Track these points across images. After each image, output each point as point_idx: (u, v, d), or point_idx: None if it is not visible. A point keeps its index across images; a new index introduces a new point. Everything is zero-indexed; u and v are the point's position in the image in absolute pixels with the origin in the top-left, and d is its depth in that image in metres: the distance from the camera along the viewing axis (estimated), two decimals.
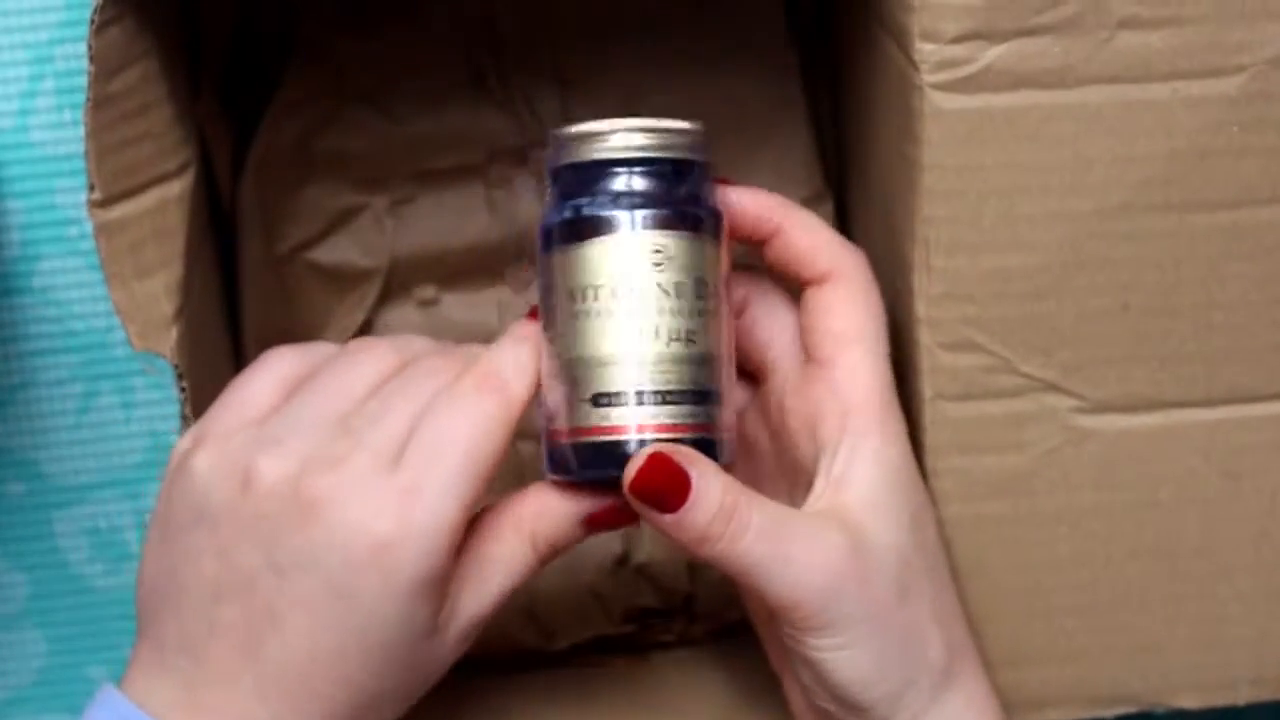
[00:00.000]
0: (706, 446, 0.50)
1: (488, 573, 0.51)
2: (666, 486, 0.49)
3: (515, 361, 0.51)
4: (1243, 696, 0.58)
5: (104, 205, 0.51)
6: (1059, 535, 0.56)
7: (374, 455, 0.49)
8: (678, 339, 0.50)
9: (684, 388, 0.50)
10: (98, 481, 0.68)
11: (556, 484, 0.52)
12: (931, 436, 0.55)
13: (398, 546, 0.48)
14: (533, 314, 0.52)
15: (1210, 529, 0.56)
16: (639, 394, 0.50)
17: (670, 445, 0.49)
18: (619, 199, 0.50)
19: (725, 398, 0.51)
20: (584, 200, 0.50)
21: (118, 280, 0.52)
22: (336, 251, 0.65)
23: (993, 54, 0.51)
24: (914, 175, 0.52)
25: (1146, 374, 0.54)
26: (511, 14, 0.65)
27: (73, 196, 0.65)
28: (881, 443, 0.52)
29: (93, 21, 0.49)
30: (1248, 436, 0.55)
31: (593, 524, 0.52)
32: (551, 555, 0.52)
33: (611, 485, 0.50)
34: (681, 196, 0.51)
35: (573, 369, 0.50)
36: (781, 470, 0.55)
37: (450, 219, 0.66)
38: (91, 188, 0.51)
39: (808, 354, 0.53)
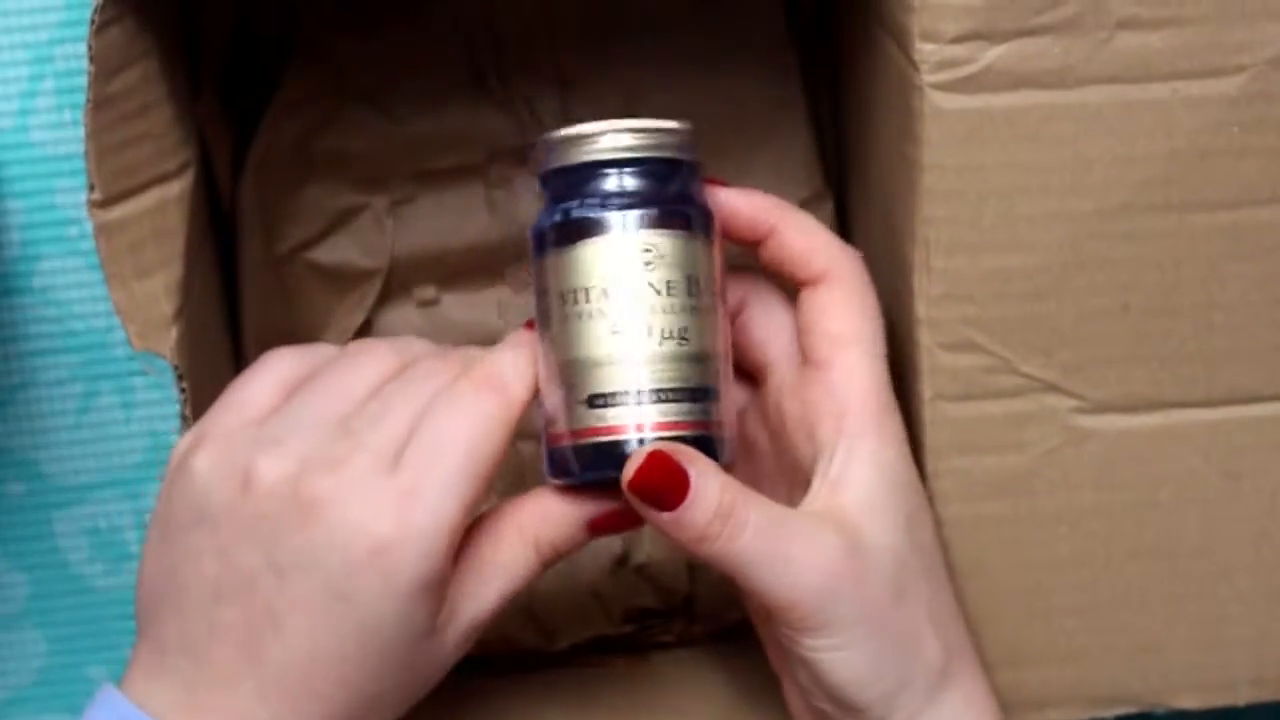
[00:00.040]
0: (706, 444, 0.50)
1: (489, 576, 0.51)
2: (665, 485, 0.49)
3: (514, 363, 0.51)
4: (1243, 697, 0.58)
5: (104, 205, 0.51)
6: (1059, 535, 0.56)
7: (374, 456, 0.49)
8: (671, 337, 0.50)
9: (680, 385, 0.50)
10: (98, 481, 0.68)
11: (558, 488, 0.52)
12: (931, 437, 0.55)
13: (397, 548, 0.48)
14: (531, 325, 0.52)
15: (1210, 529, 0.56)
16: (635, 393, 0.50)
17: (670, 444, 0.49)
18: (608, 200, 0.50)
19: (723, 395, 0.51)
20: (573, 203, 0.51)
21: (117, 280, 0.52)
22: (336, 251, 0.65)
23: (993, 54, 0.51)
24: (914, 175, 0.52)
25: (1147, 374, 0.54)
26: (511, 14, 0.65)
27: (73, 196, 0.65)
28: (878, 444, 0.52)
29: (93, 22, 0.49)
30: (1248, 437, 0.55)
31: (595, 528, 0.52)
32: (554, 559, 0.52)
33: (612, 486, 0.50)
34: (671, 195, 0.51)
35: (568, 371, 0.50)
36: (781, 470, 0.55)
37: (450, 219, 0.66)
38: (91, 188, 0.51)
39: (804, 355, 0.53)
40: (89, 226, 0.51)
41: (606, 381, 0.50)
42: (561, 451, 0.51)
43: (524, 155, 0.65)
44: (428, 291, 0.66)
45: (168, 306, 0.53)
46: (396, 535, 0.48)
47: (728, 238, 0.53)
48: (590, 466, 0.50)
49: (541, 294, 0.51)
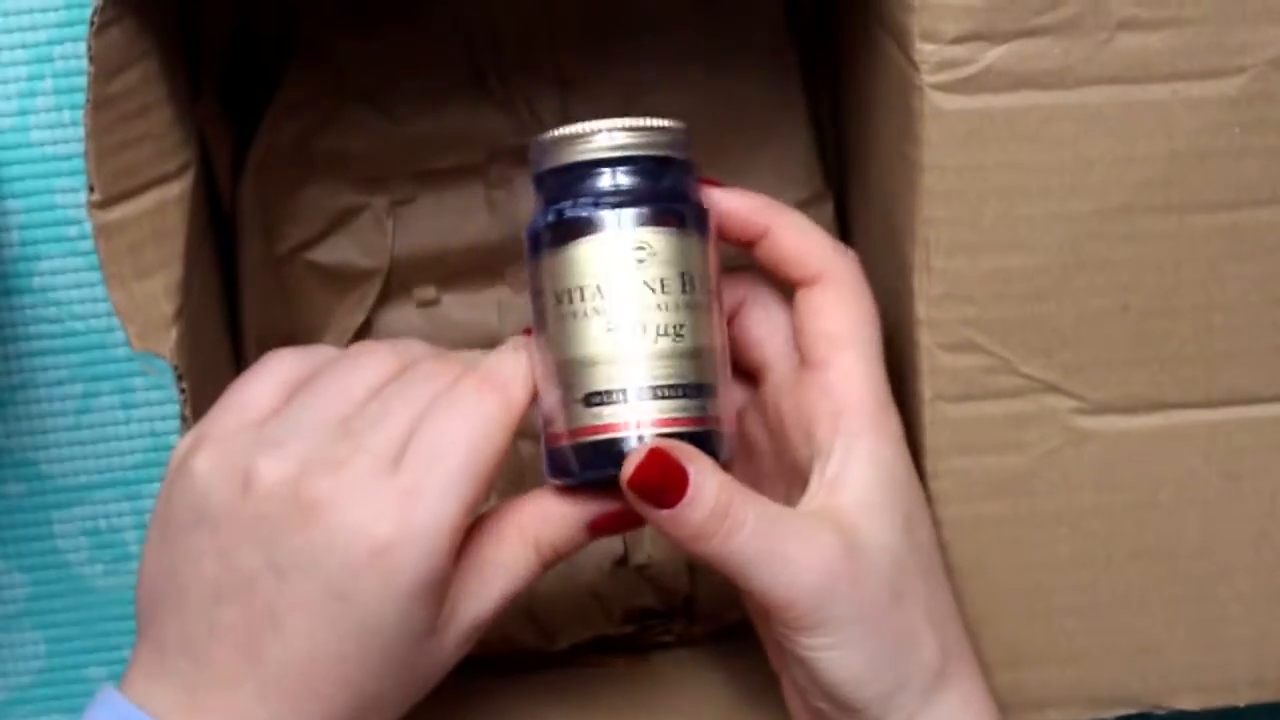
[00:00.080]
0: (705, 440, 0.50)
1: (489, 577, 0.51)
2: (664, 482, 0.49)
3: (515, 365, 0.51)
4: (1243, 698, 0.58)
5: (103, 206, 0.51)
6: (1059, 536, 0.56)
7: (374, 458, 0.49)
8: (666, 334, 0.50)
9: (676, 382, 0.50)
10: (98, 482, 0.68)
11: (558, 488, 0.52)
12: (931, 437, 0.55)
13: (398, 548, 0.48)
14: (529, 331, 0.52)
15: (1210, 530, 0.56)
16: (632, 391, 0.50)
17: (669, 441, 0.49)
18: (600, 199, 0.50)
19: (721, 390, 0.51)
20: (566, 203, 0.51)
21: (117, 281, 0.52)
22: (336, 251, 0.65)
23: (993, 55, 0.51)
24: (914, 176, 0.52)
25: (1147, 375, 0.54)
26: (511, 14, 0.65)
27: (73, 196, 0.65)
28: (876, 443, 0.52)
29: (92, 22, 0.49)
30: (1248, 438, 0.55)
31: (596, 529, 0.52)
32: (555, 560, 0.52)
33: (612, 484, 0.50)
34: (663, 193, 0.51)
35: (565, 371, 0.50)
36: (780, 470, 0.55)
37: (450, 219, 0.66)
38: (91, 189, 0.51)
39: (801, 356, 0.53)
40: (89, 226, 0.51)
41: (603, 380, 0.50)
42: (561, 451, 0.51)
43: (524, 155, 0.65)
44: (428, 291, 0.66)
45: (167, 307, 0.53)
46: (397, 536, 0.48)
47: (722, 238, 0.53)
48: (590, 465, 0.50)
49: (537, 295, 0.51)
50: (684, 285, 0.50)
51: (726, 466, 0.51)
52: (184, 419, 0.53)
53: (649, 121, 0.51)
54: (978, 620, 0.55)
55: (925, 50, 0.51)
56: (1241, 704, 0.58)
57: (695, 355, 0.50)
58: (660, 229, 0.50)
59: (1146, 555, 0.56)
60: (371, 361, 0.52)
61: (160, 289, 0.53)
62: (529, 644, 0.65)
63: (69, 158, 0.65)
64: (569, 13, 0.65)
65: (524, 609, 0.65)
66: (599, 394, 0.50)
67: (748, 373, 0.56)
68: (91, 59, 0.50)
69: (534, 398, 0.51)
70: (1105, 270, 0.53)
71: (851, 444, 0.51)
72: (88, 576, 0.69)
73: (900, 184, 0.54)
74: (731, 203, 0.53)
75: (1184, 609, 0.57)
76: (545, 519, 0.52)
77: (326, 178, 0.65)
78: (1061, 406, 0.54)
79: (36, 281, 0.66)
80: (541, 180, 0.52)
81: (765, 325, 0.55)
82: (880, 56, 0.55)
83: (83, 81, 0.50)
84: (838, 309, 0.52)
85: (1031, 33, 0.51)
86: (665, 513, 0.49)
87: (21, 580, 0.69)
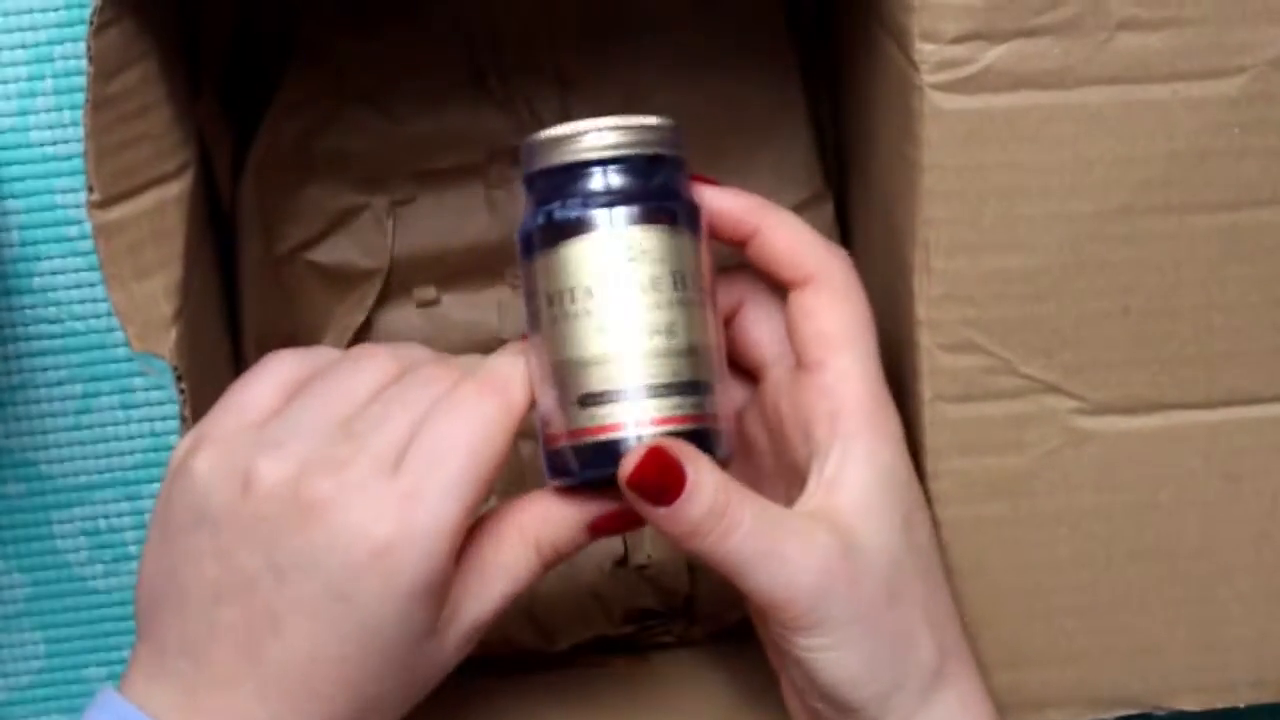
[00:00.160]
0: (703, 437, 0.50)
1: (490, 578, 0.51)
2: (662, 480, 0.49)
3: (515, 368, 0.51)
4: (1243, 698, 0.58)
5: (103, 206, 0.51)
6: (1059, 536, 0.56)
7: (375, 459, 0.49)
8: (660, 332, 0.50)
9: (671, 380, 0.50)
10: (97, 482, 0.68)
11: (558, 489, 0.52)
12: (931, 438, 0.55)
13: (398, 550, 0.48)
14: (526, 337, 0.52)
15: (1210, 531, 0.56)
16: (628, 391, 0.50)
17: (668, 440, 0.49)
18: (590, 199, 0.50)
19: (717, 387, 0.51)
20: (556, 204, 0.51)
21: (117, 281, 0.52)
22: (336, 251, 0.65)
23: (993, 55, 0.51)
24: (914, 176, 0.52)
25: (1147, 376, 0.54)
26: (511, 14, 0.65)
27: (73, 196, 0.65)
28: (873, 445, 0.51)
29: (92, 22, 0.49)
30: (1248, 439, 0.55)
31: (596, 529, 0.52)
32: (556, 561, 0.52)
33: (612, 484, 0.50)
34: (654, 192, 0.51)
35: (560, 372, 0.50)
36: (780, 470, 0.55)
37: (450, 219, 0.66)
38: (90, 189, 0.51)
39: (797, 357, 0.53)
40: (89, 226, 0.51)
41: (598, 380, 0.50)
42: (560, 452, 0.51)
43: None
44: (428, 291, 0.66)
45: (167, 307, 0.53)
46: (397, 537, 0.48)
47: (713, 236, 0.53)
48: (589, 465, 0.50)
49: (530, 296, 0.51)
50: (676, 283, 0.50)
51: (725, 463, 0.51)
52: (184, 419, 0.53)
53: (638, 120, 0.51)
54: (977, 621, 0.55)
55: (925, 50, 0.51)
56: (1241, 704, 0.58)
57: (690, 353, 0.50)
58: (651, 228, 0.50)
59: (1146, 556, 0.56)
60: (372, 364, 0.52)
61: (160, 289, 0.53)
62: (529, 644, 0.65)
63: (69, 158, 0.65)
64: (569, 13, 0.65)
65: (524, 609, 0.65)
66: (595, 395, 0.50)
67: (747, 372, 0.56)
68: (91, 59, 0.50)
69: (533, 399, 0.51)
70: (1105, 271, 0.53)
71: (849, 445, 0.51)
72: (87, 576, 0.69)
73: (900, 184, 0.54)
74: (722, 202, 0.53)
75: (1184, 609, 0.57)
76: (545, 519, 0.52)
77: (326, 178, 0.65)
78: (1062, 407, 0.54)
79: (36, 281, 0.66)
80: (532, 181, 0.52)
81: (763, 325, 0.55)
82: (880, 56, 0.55)
83: (83, 81, 0.50)
84: (832, 310, 0.52)
85: (1031, 33, 0.51)
86: (663, 511, 0.49)
87: (21, 580, 0.69)
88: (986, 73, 0.51)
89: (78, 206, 0.65)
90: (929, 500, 0.54)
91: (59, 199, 0.65)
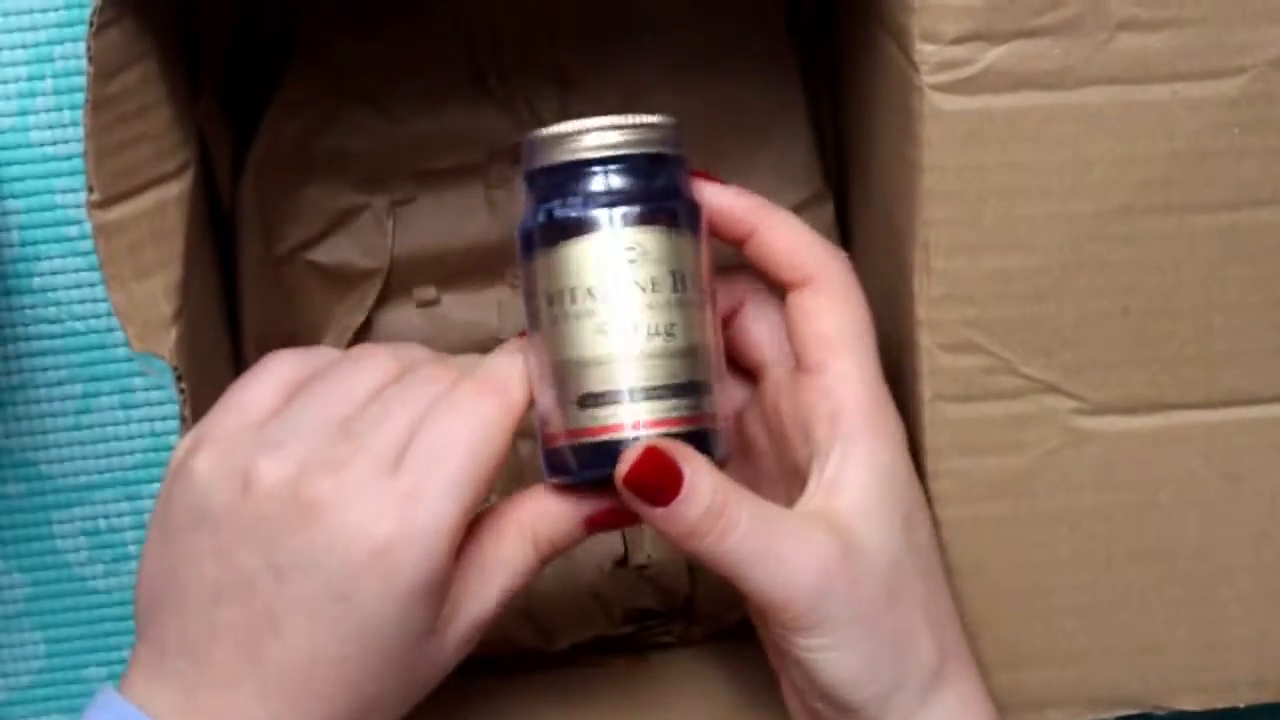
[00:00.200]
0: (700, 438, 0.50)
1: (489, 574, 0.51)
2: (659, 481, 0.49)
3: (513, 367, 0.51)
4: (1243, 698, 0.57)
5: (103, 206, 0.51)
6: (1059, 536, 0.56)
7: (374, 459, 0.49)
8: (659, 333, 0.50)
9: (670, 381, 0.50)
10: (97, 482, 0.68)
11: (556, 486, 0.52)
12: (931, 438, 0.55)
13: (398, 549, 0.48)
14: (525, 333, 0.52)
15: (1210, 531, 0.56)
16: (626, 392, 0.50)
17: (664, 440, 0.49)
18: (590, 199, 0.50)
19: (716, 387, 0.51)
20: (556, 203, 0.50)
21: (116, 281, 0.52)
22: (336, 251, 0.65)
23: (993, 55, 0.51)
24: (914, 176, 0.52)
25: (1147, 376, 0.54)
26: (511, 14, 0.65)
27: (73, 196, 0.65)
28: (873, 446, 0.51)
29: (92, 22, 0.49)
30: (1248, 439, 0.55)
31: (593, 524, 0.52)
32: (553, 555, 0.52)
33: (610, 484, 0.50)
34: (654, 192, 0.50)
35: (560, 372, 0.50)
36: (781, 470, 0.55)
37: (450, 219, 0.66)
38: (90, 189, 0.51)
39: (796, 359, 0.53)
40: (89, 226, 0.51)
41: (597, 381, 0.50)
42: (558, 451, 0.51)
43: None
44: (428, 291, 0.66)
45: (167, 307, 0.53)
46: (397, 537, 0.48)
47: (712, 233, 0.52)
48: (587, 465, 0.50)
49: (530, 295, 0.51)
50: (675, 284, 0.50)
51: (723, 463, 0.51)
52: (183, 419, 0.53)
53: (639, 119, 0.51)
54: (977, 621, 0.55)
55: (925, 51, 0.51)
56: (1241, 704, 0.58)
57: (689, 354, 0.50)
58: (651, 228, 0.50)
59: (1146, 556, 0.56)
60: (372, 364, 0.52)
61: (159, 289, 0.53)
62: (529, 644, 0.65)
63: (69, 158, 0.65)
64: (569, 13, 0.65)
65: (524, 609, 0.65)
66: (594, 395, 0.50)
67: (747, 372, 0.56)
68: (91, 59, 0.50)
69: (532, 398, 0.51)
70: (1105, 271, 0.53)
71: (849, 447, 0.51)
72: (87, 576, 0.69)
73: (900, 185, 0.54)
74: (722, 200, 0.53)
75: (1184, 609, 0.57)
76: (543, 514, 0.52)
77: (326, 178, 0.65)
78: (1061, 407, 0.54)
79: (36, 281, 0.66)
80: (532, 179, 0.52)
81: (764, 325, 0.55)
82: (880, 57, 0.55)
83: (83, 81, 0.50)
84: (831, 312, 0.52)
85: (1031, 33, 0.51)
86: (660, 511, 0.49)
87: (21, 580, 0.69)
88: (986, 73, 0.51)
89: (78, 206, 0.65)
90: (929, 500, 0.54)
91: (59, 199, 0.65)
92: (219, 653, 0.49)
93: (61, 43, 0.64)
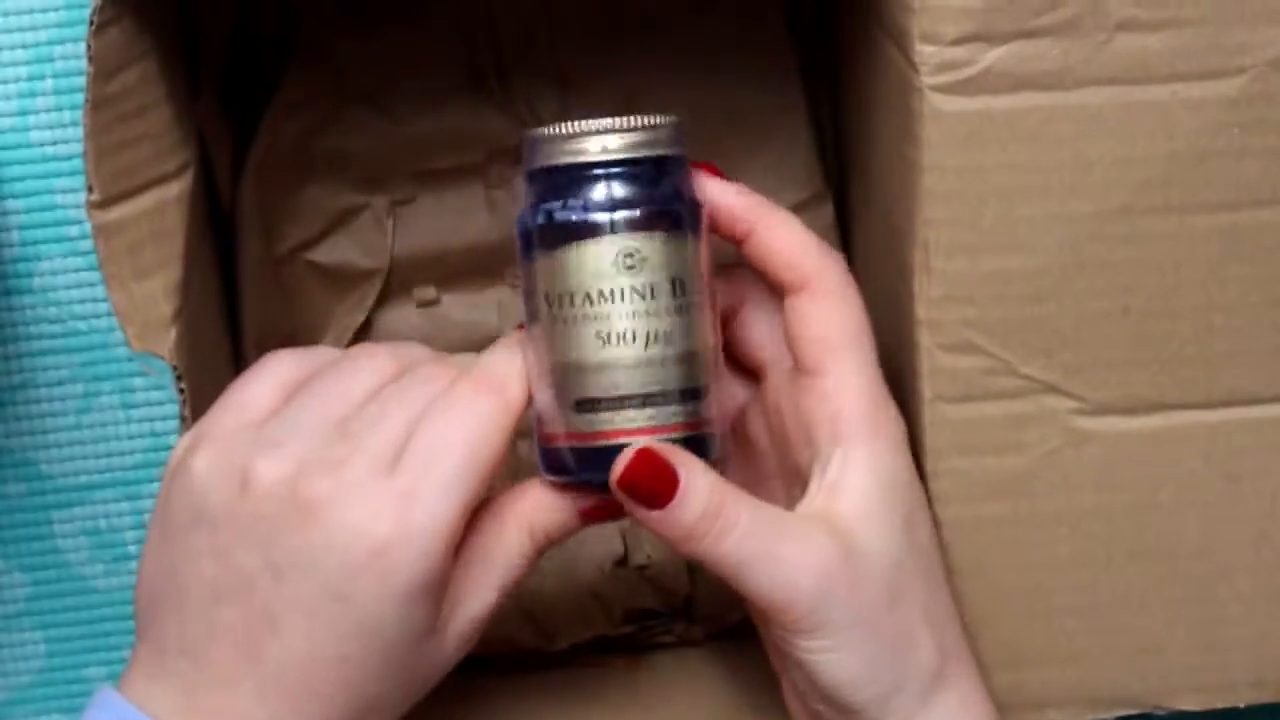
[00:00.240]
0: (696, 443, 0.50)
1: (488, 568, 0.51)
2: (654, 483, 0.49)
3: (511, 365, 0.51)
4: (1243, 698, 0.57)
5: (102, 206, 0.51)
6: (1059, 537, 0.56)
7: (372, 459, 0.49)
8: (658, 340, 0.50)
9: (667, 388, 0.50)
10: (98, 482, 0.68)
11: (552, 481, 0.52)
12: (931, 438, 0.54)
13: (395, 549, 0.48)
14: (523, 326, 0.52)
15: (1210, 531, 0.56)
16: (622, 399, 0.50)
17: (659, 443, 0.49)
18: (592, 203, 0.50)
19: (711, 391, 0.51)
20: (557, 204, 0.50)
21: (116, 281, 0.52)
22: (336, 251, 0.65)
23: (992, 56, 0.51)
24: (914, 177, 0.52)
25: (1147, 376, 0.54)
26: (511, 14, 0.65)
27: (73, 196, 0.65)
28: (874, 449, 0.51)
29: (91, 22, 0.49)
30: (1248, 439, 0.55)
31: (588, 516, 0.52)
32: (548, 546, 0.52)
33: (606, 487, 0.50)
34: (656, 196, 0.50)
35: (558, 374, 0.50)
36: (782, 470, 0.55)
37: (450, 219, 0.66)
38: (90, 189, 0.51)
39: (796, 362, 0.53)
40: (89, 226, 0.51)
41: (596, 387, 0.50)
42: (557, 452, 0.51)
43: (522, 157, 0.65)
44: (428, 291, 0.66)
45: (166, 307, 0.53)
46: (395, 536, 0.48)
47: (711, 230, 0.52)
48: (585, 468, 0.50)
49: (529, 294, 0.51)
50: (676, 289, 0.50)
51: (718, 463, 0.51)
52: (183, 419, 0.53)
53: (641, 121, 0.50)
54: (977, 621, 0.55)
55: (925, 52, 0.51)
56: (1241, 704, 0.58)
57: (687, 360, 0.50)
58: (652, 233, 0.50)
59: (1146, 556, 0.56)
60: (370, 364, 0.52)
61: (159, 289, 0.53)
62: (529, 644, 0.65)
63: (69, 158, 0.65)
64: (569, 13, 0.65)
65: (524, 609, 0.65)
66: (591, 400, 0.50)
67: (748, 371, 0.56)
68: (90, 59, 0.50)
69: (530, 394, 0.51)
70: (1105, 271, 0.53)
71: (850, 451, 0.51)
72: (88, 576, 0.69)
73: (900, 185, 0.54)
74: (723, 199, 0.52)
75: (1184, 609, 0.57)
76: (539, 507, 0.52)
77: (326, 178, 0.65)
78: (1061, 407, 0.54)
79: (37, 282, 0.66)
80: (533, 176, 0.52)
81: (764, 325, 0.54)
82: (880, 58, 0.55)
83: (83, 81, 0.50)
84: (828, 315, 0.52)
85: (1031, 34, 0.51)
86: (656, 514, 0.49)
87: (21, 580, 0.69)
88: (986, 74, 0.51)
89: (78, 206, 0.65)
90: (929, 500, 0.54)
91: (59, 199, 0.65)
92: (218, 652, 0.49)
93: (61, 43, 0.64)
